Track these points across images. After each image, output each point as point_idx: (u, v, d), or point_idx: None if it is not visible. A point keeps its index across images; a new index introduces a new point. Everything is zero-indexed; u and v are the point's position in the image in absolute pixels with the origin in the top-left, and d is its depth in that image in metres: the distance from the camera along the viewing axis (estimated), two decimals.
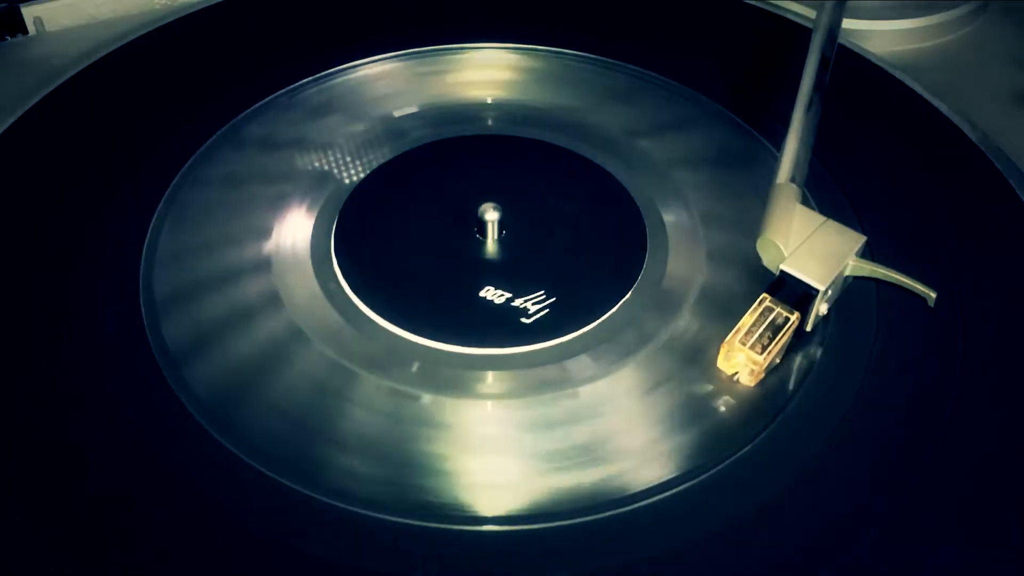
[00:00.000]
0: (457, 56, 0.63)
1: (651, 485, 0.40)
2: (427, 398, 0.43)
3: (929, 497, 0.39)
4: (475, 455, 0.42)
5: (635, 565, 0.37)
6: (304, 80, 0.60)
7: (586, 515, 0.39)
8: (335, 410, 0.43)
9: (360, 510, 0.39)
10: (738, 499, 0.39)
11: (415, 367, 0.45)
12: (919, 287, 0.44)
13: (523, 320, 0.45)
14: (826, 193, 0.52)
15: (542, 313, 0.45)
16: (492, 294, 0.46)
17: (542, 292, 0.46)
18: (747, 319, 0.43)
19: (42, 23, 0.64)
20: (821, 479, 0.40)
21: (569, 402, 0.44)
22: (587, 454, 0.41)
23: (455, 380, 0.44)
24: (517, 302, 0.46)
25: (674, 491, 0.40)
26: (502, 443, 0.42)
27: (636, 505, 0.39)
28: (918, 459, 0.40)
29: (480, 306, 0.47)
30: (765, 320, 0.43)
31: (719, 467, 0.40)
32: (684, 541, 0.38)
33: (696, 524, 0.39)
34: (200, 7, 0.66)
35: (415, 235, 0.51)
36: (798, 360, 0.45)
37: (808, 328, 0.45)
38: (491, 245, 0.50)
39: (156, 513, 0.38)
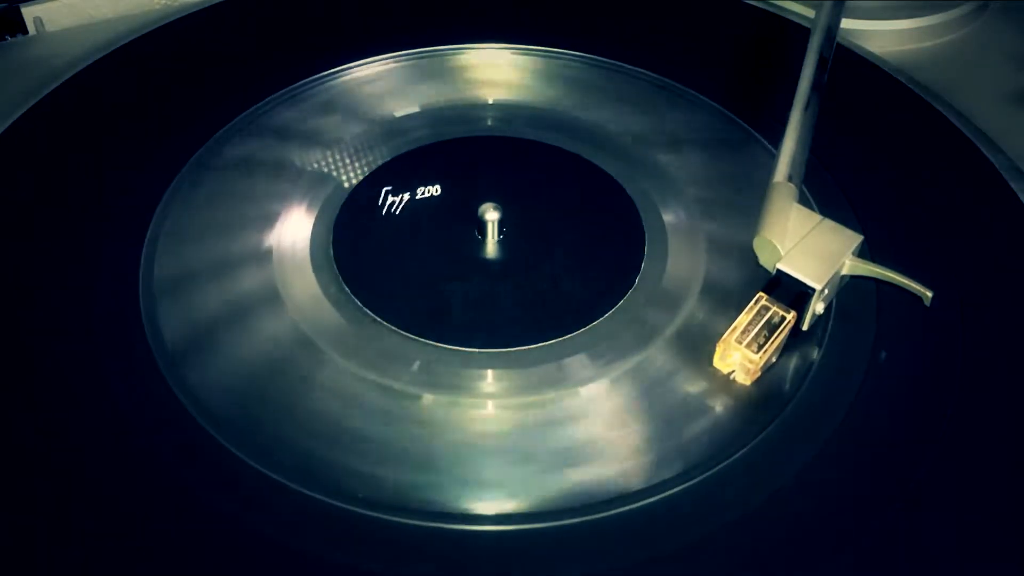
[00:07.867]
0: (457, 56, 0.63)
1: (649, 485, 0.40)
2: (427, 397, 0.44)
3: (929, 498, 0.39)
4: (473, 454, 0.42)
5: (634, 565, 0.37)
6: (304, 80, 0.60)
7: (584, 515, 0.39)
8: (334, 409, 0.43)
9: (359, 509, 0.39)
10: (736, 499, 0.39)
11: (415, 366, 0.45)
12: (915, 286, 0.44)
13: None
14: (825, 193, 0.52)
15: None
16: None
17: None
18: (743, 318, 0.43)
19: (42, 23, 0.64)
20: (820, 479, 0.40)
21: (568, 402, 0.44)
22: (585, 454, 0.41)
23: (455, 379, 0.44)
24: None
25: (672, 491, 0.40)
26: (501, 442, 0.42)
27: (634, 505, 0.39)
28: (918, 460, 0.40)
29: (480, 306, 0.47)
30: (761, 319, 0.43)
31: (718, 467, 0.40)
32: (682, 541, 0.38)
33: (694, 524, 0.39)
34: (200, 7, 0.66)
35: (415, 235, 0.51)
36: (798, 360, 0.45)
37: (804, 327, 0.45)
38: (491, 245, 0.50)
39: (156, 516, 0.38)
